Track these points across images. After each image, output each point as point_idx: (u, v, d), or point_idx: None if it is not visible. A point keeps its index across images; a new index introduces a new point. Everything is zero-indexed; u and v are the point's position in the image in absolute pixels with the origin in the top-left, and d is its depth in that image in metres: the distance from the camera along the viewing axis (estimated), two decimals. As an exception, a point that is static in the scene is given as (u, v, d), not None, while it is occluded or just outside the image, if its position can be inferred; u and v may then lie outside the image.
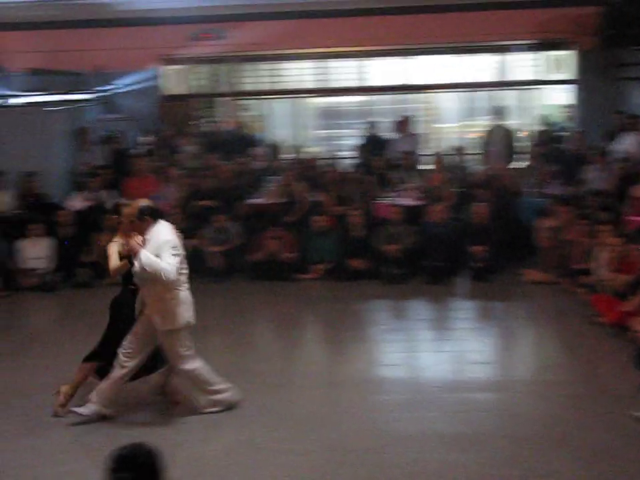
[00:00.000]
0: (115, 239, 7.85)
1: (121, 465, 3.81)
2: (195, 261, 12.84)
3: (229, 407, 7.80)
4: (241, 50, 16.82)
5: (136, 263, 7.26)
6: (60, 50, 16.57)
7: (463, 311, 11.28)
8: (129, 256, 7.52)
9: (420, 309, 11.67)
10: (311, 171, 14.47)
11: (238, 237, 13.16)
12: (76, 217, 13.43)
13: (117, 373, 7.57)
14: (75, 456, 6.99)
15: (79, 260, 12.91)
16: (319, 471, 6.58)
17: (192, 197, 13.95)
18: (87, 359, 7.87)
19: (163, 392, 8.06)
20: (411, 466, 6.61)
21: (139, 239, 7.31)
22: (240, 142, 16.12)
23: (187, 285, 7.67)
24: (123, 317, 7.74)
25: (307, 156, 15.24)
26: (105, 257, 7.89)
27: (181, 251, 7.51)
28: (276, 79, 17.31)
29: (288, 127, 17.53)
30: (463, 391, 8.24)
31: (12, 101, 15.65)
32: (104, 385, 7.61)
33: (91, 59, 16.54)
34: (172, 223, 12.79)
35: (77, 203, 13.84)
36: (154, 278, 7.25)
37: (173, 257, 7.31)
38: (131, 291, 7.72)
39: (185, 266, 7.64)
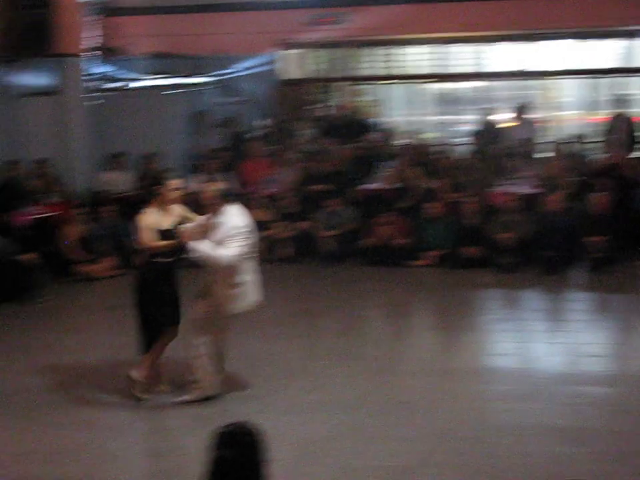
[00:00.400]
0: (150, 210, 7.65)
1: (223, 443, 3.83)
2: (306, 245, 13.01)
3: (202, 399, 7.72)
4: (359, 35, 16.76)
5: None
6: (181, 34, 16.84)
7: (578, 302, 11.02)
8: (168, 231, 7.53)
9: (533, 299, 11.46)
10: (425, 157, 14.35)
11: (350, 221, 13.17)
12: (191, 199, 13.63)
13: (199, 360, 7.64)
14: (186, 431, 7.14)
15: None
16: (423, 459, 6.54)
17: (306, 181, 14.02)
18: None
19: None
20: (518, 457, 6.50)
21: (193, 225, 7.46)
22: (355, 127, 16.09)
23: (253, 270, 7.71)
24: (153, 295, 7.64)
25: (421, 142, 15.10)
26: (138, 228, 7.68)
27: (253, 236, 7.57)
28: (393, 64, 17.20)
29: (403, 112, 17.40)
30: (575, 383, 8.05)
31: (133, 84, 16.02)
32: (196, 370, 7.66)
33: (210, 43, 16.75)
34: (285, 206, 13.03)
35: (194, 185, 14.05)
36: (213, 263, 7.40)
37: (238, 244, 7.36)
38: (164, 265, 7.65)
39: (255, 250, 7.69)
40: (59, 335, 9.84)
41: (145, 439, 7.11)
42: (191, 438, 6.86)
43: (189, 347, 7.66)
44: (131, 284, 7.74)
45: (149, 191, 7.76)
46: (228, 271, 7.45)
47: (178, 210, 7.68)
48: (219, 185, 7.57)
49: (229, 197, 7.53)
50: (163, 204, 7.60)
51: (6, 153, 13.56)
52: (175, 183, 7.66)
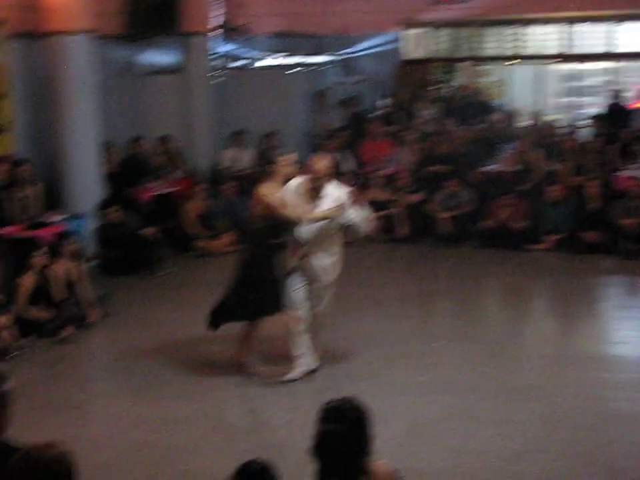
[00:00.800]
0: (268, 187, 7.60)
1: (329, 417, 3.84)
2: (424, 225, 12.92)
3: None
4: (483, 14, 16.49)
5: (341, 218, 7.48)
6: (303, 13, 16.88)
7: None
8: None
9: (657, 286, 11.11)
10: (548, 139, 14.04)
11: (469, 203, 13.00)
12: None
13: (298, 336, 7.67)
14: (293, 406, 7.22)
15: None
16: (536, 445, 6.42)
17: (425, 162, 13.91)
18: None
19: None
20: (634, 447, 6.32)
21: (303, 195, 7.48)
22: (477, 108, 15.88)
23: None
24: (254, 275, 7.61)
25: (545, 124, 14.77)
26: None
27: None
28: (518, 44, 16.85)
29: (527, 93, 17.04)
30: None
31: (256, 63, 16.18)
32: (292, 345, 7.69)
33: (333, 22, 16.76)
34: (403, 187, 12.95)
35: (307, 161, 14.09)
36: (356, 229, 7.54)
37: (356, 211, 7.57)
38: (269, 247, 7.61)
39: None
40: (177, 309, 10.06)
41: (253, 413, 7.19)
42: (299, 413, 6.93)
43: (288, 323, 7.70)
44: (240, 260, 7.76)
45: (265, 169, 7.85)
46: (332, 238, 7.59)
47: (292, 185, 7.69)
48: (326, 160, 7.63)
49: (334, 173, 7.61)
50: (278, 180, 7.64)
51: (130, 131, 13.87)
52: (287, 158, 7.68)
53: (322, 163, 7.59)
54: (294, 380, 7.62)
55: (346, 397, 3.94)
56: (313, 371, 7.75)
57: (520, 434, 6.60)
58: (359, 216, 7.72)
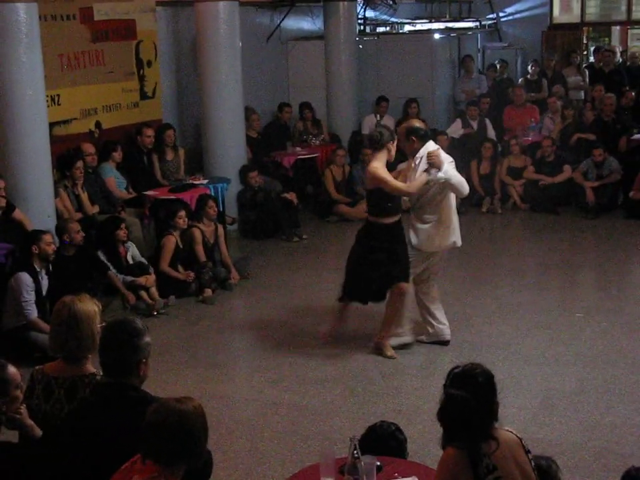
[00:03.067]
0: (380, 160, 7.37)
1: (456, 382, 3.83)
2: (568, 194, 12.60)
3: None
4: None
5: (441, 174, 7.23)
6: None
7: None
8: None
9: None
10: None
11: (617, 172, 12.58)
12: (454, 144, 13.54)
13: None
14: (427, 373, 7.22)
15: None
16: None
17: (573, 129, 13.53)
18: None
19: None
20: None
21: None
22: (629, 74, 15.34)
23: (452, 209, 7.58)
24: (365, 252, 7.49)
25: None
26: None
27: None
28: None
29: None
30: None
31: (400, 28, 16.08)
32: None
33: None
34: (547, 154, 12.65)
35: (456, 130, 13.96)
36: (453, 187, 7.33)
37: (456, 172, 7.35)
38: (380, 226, 7.40)
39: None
40: (314, 274, 10.16)
41: (386, 378, 7.20)
42: (430, 380, 6.96)
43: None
44: (364, 234, 7.58)
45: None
46: (435, 205, 7.41)
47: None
48: (415, 124, 7.48)
49: (423, 135, 7.40)
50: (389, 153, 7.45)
51: (274, 96, 14.05)
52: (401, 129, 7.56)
53: (402, 126, 7.49)
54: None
55: (472, 363, 3.92)
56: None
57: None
58: (454, 174, 7.34)
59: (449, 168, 7.28)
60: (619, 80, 14.98)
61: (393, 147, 7.34)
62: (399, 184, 7.28)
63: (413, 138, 7.36)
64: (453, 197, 7.53)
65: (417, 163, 7.33)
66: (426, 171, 7.25)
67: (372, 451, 4.28)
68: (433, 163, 7.21)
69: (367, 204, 7.59)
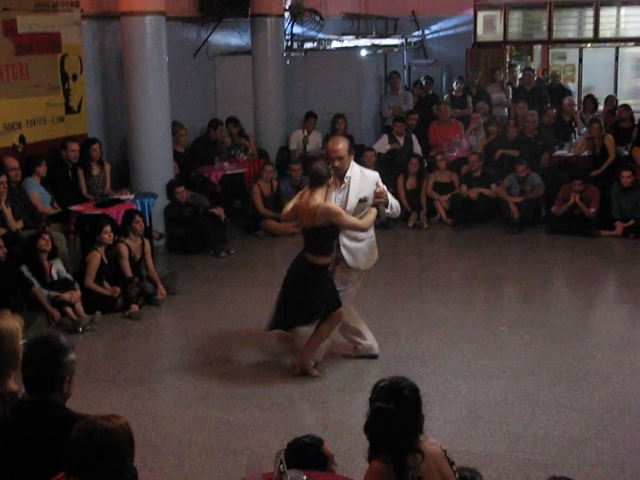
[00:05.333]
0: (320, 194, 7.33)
1: (382, 396, 3.87)
2: (492, 209, 12.81)
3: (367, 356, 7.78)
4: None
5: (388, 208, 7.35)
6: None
7: None
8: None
9: None
10: (623, 124, 13.76)
11: (540, 188, 12.84)
12: (381, 160, 13.67)
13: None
14: (353, 389, 7.26)
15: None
16: (597, 431, 6.35)
17: (496, 145, 13.77)
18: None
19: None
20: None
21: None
22: (550, 91, 15.68)
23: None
24: (298, 285, 7.35)
25: (618, 108, 14.47)
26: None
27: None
28: (593, 27, 16.52)
29: (603, 77, 16.75)
30: None
31: (326, 45, 16.18)
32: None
33: (404, 4, 16.70)
34: (472, 170, 12.84)
35: (382, 146, 14.09)
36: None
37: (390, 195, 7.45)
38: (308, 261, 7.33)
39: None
40: (242, 289, 10.15)
41: (313, 393, 7.21)
42: (357, 394, 6.98)
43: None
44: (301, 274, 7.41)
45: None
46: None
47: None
48: (345, 141, 7.45)
49: (354, 152, 7.47)
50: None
51: (200, 111, 14.01)
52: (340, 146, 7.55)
53: (341, 141, 7.40)
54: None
55: (398, 377, 3.97)
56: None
57: (581, 420, 6.52)
58: (397, 206, 7.53)
59: (393, 202, 7.41)
60: (541, 97, 15.30)
61: (329, 184, 7.21)
62: (354, 219, 7.19)
63: (352, 152, 7.41)
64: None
65: (346, 182, 7.32)
66: (374, 206, 7.33)
67: (298, 465, 4.29)
68: (381, 202, 7.33)
69: (307, 241, 7.23)
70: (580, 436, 6.29)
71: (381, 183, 7.38)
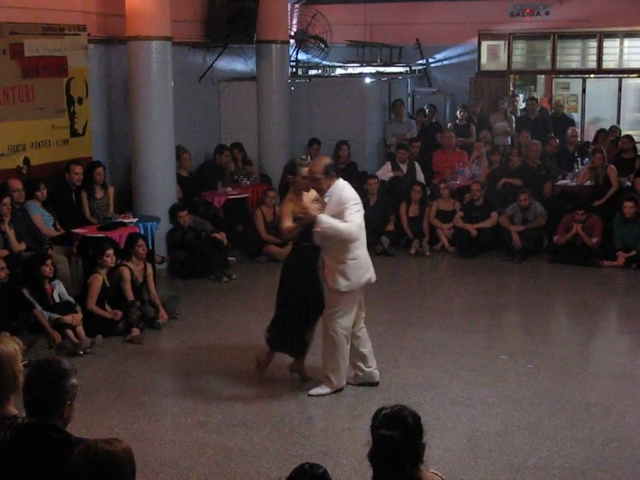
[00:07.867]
0: (288, 198, 7.77)
1: (383, 424, 3.85)
2: (494, 238, 12.82)
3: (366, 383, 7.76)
4: (561, 27, 16.36)
5: (316, 226, 7.21)
6: (379, 23, 16.97)
7: None
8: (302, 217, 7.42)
9: None
10: (625, 155, 13.80)
11: (542, 217, 12.85)
12: (384, 187, 13.69)
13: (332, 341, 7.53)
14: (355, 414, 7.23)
15: (380, 229, 13.09)
16: (597, 463, 6.32)
17: (499, 174, 13.80)
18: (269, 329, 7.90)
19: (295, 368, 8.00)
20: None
21: (315, 201, 7.36)
22: (553, 121, 15.75)
23: (364, 245, 7.49)
24: (292, 276, 7.67)
25: (621, 139, 14.53)
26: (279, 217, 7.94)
27: (362, 209, 7.42)
28: (597, 58, 16.62)
29: (607, 107, 16.83)
30: None
31: (331, 72, 16.25)
32: (326, 360, 7.60)
33: (409, 33, 16.80)
34: (474, 198, 12.87)
35: (385, 173, 14.12)
36: (336, 238, 7.25)
37: (357, 213, 7.26)
38: (304, 250, 7.62)
39: (363, 226, 7.44)
40: (243, 314, 10.15)
41: (313, 420, 7.22)
42: (358, 421, 6.96)
43: (326, 336, 7.56)
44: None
45: (286, 180, 7.88)
46: (343, 245, 7.29)
47: (312, 195, 7.59)
48: (325, 161, 7.47)
49: (335, 172, 7.44)
50: (299, 191, 7.66)
51: (205, 136, 14.06)
52: (305, 170, 7.60)
53: (319, 163, 7.45)
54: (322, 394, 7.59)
55: (399, 405, 3.96)
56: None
57: (582, 451, 6.50)
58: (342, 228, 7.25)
59: (332, 223, 7.19)
60: (544, 126, 15.36)
61: (301, 182, 7.61)
62: (288, 225, 7.58)
63: (331, 174, 7.40)
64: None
65: (325, 201, 7.33)
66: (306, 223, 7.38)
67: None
68: (302, 218, 7.34)
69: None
70: (580, 467, 6.26)
71: (329, 200, 7.29)
